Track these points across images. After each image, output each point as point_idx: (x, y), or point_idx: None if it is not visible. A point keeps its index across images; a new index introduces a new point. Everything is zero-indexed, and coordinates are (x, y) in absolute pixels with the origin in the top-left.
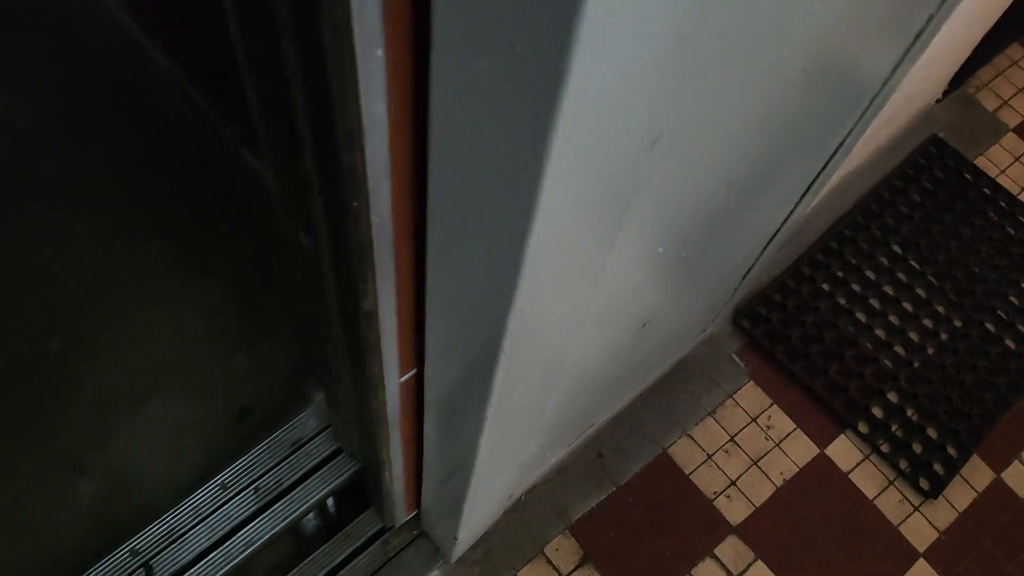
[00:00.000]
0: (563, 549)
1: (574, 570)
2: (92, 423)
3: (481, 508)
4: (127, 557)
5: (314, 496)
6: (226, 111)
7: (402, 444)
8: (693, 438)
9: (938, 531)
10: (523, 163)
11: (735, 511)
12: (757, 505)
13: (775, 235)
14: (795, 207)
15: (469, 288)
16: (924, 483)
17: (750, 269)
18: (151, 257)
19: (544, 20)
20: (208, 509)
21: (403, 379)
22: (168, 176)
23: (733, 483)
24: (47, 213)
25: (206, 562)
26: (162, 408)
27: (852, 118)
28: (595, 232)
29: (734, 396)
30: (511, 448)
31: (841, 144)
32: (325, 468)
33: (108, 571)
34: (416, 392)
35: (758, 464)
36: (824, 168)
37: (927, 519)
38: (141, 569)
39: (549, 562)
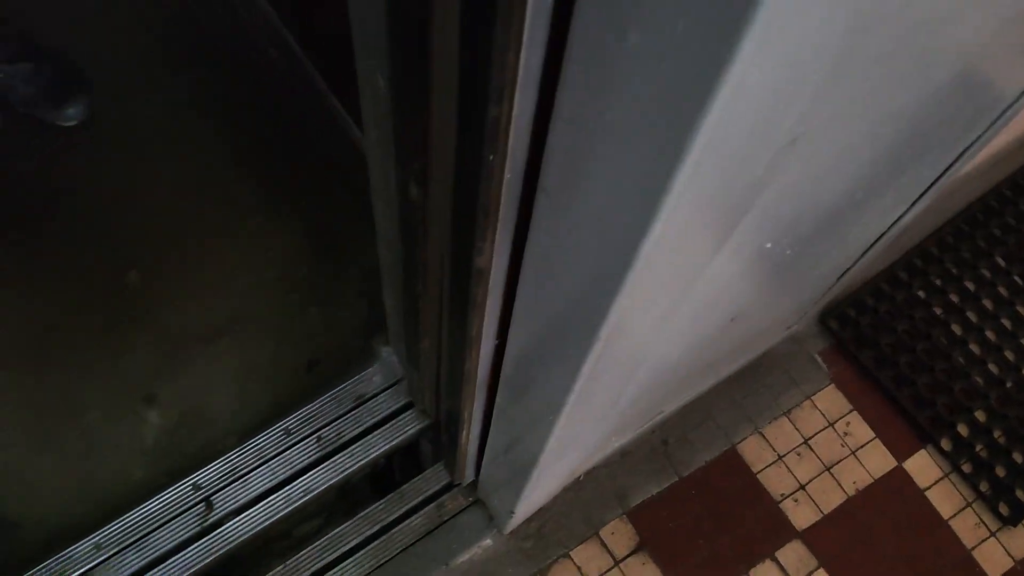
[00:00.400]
0: (619, 533)
1: (628, 556)
2: (164, 358)
3: (542, 486)
4: (189, 490)
5: (375, 451)
6: (318, 61)
7: (481, 410)
8: (765, 436)
9: (1014, 560)
10: (660, 149)
11: (801, 516)
12: (825, 512)
13: (880, 238)
14: (906, 212)
15: (569, 268)
16: (1004, 508)
17: (848, 270)
18: (238, 205)
19: None
20: (271, 452)
21: (495, 346)
22: (261, 127)
23: (802, 487)
24: (146, 155)
25: (265, 504)
26: (233, 350)
27: (980, 127)
28: (713, 227)
29: (812, 398)
30: (583, 432)
31: (962, 154)
32: (388, 425)
33: (170, 502)
34: (496, 359)
35: (830, 470)
36: (942, 175)
37: (1003, 546)
38: (202, 503)
39: (603, 545)
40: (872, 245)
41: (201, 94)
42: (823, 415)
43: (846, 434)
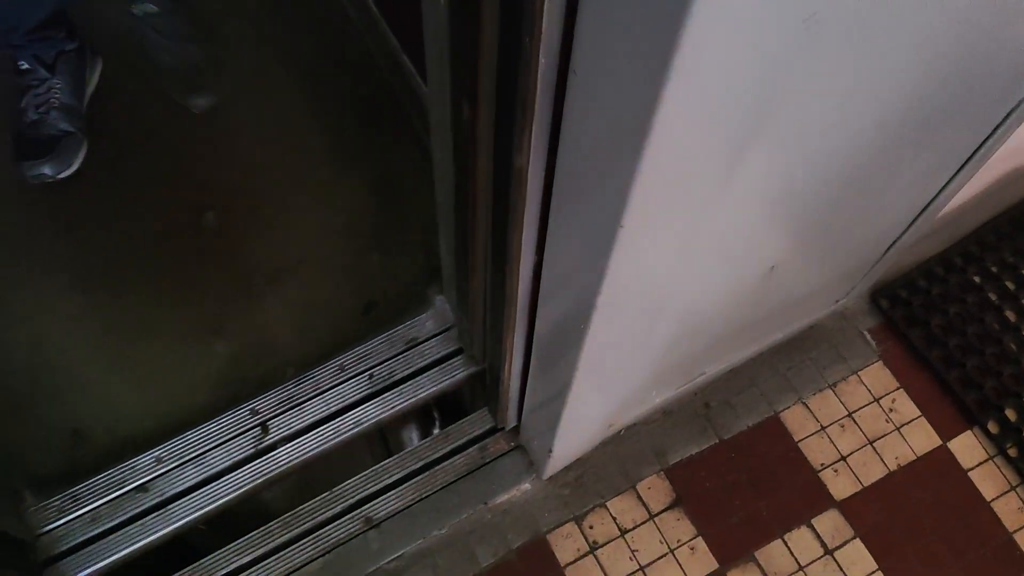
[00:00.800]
0: (655, 488)
1: (663, 511)
2: (232, 293)
3: (579, 428)
4: (247, 415)
5: (424, 392)
6: (392, 21)
7: (522, 342)
8: (808, 407)
9: None
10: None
11: (840, 486)
12: (865, 484)
13: (924, 209)
14: (948, 182)
15: (595, 161)
16: None
17: (894, 243)
18: (312, 155)
19: None
20: (326, 385)
21: (533, 265)
22: (338, 83)
23: (843, 459)
24: (230, 105)
25: (316, 433)
26: (297, 289)
27: (1018, 96)
28: (728, 126)
29: (859, 373)
30: (615, 366)
31: (1003, 121)
32: (437, 368)
33: (229, 424)
34: (535, 283)
35: (873, 444)
36: (982, 145)
37: None
38: (258, 428)
39: (639, 498)
40: (917, 217)
41: (285, 50)
42: (869, 390)
43: (891, 410)
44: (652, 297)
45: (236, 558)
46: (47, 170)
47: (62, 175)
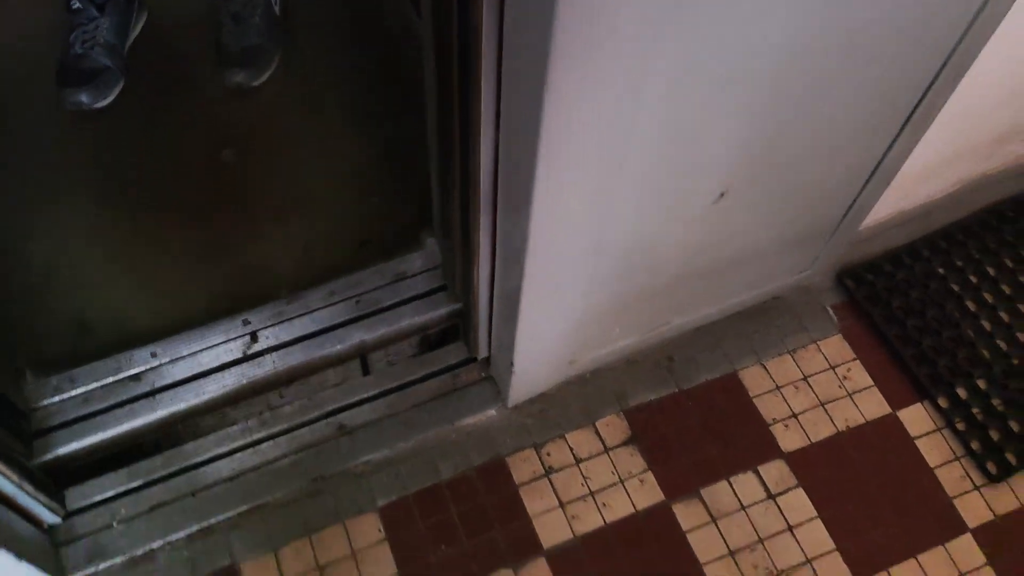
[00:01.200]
0: (613, 426)
1: (618, 446)
2: (240, 222)
3: (538, 352)
4: (239, 324)
5: (406, 320)
6: None
7: (488, 265)
8: (766, 368)
9: (994, 514)
10: None
11: (789, 440)
12: (812, 441)
13: (873, 173)
14: (892, 143)
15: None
16: (992, 467)
17: (852, 205)
18: (326, 114)
19: None
20: (315, 306)
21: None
22: (360, 53)
23: (794, 415)
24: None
25: (302, 345)
26: (299, 223)
27: (954, 35)
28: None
29: (819, 343)
30: (557, 279)
31: (937, 76)
32: (421, 300)
33: (222, 330)
34: (494, 184)
35: (824, 406)
36: (923, 99)
37: (985, 500)
38: (248, 336)
39: (597, 433)
40: (867, 182)
41: (313, 21)
42: (826, 359)
43: (845, 378)
44: (588, 196)
45: (214, 447)
46: (84, 98)
47: (97, 105)
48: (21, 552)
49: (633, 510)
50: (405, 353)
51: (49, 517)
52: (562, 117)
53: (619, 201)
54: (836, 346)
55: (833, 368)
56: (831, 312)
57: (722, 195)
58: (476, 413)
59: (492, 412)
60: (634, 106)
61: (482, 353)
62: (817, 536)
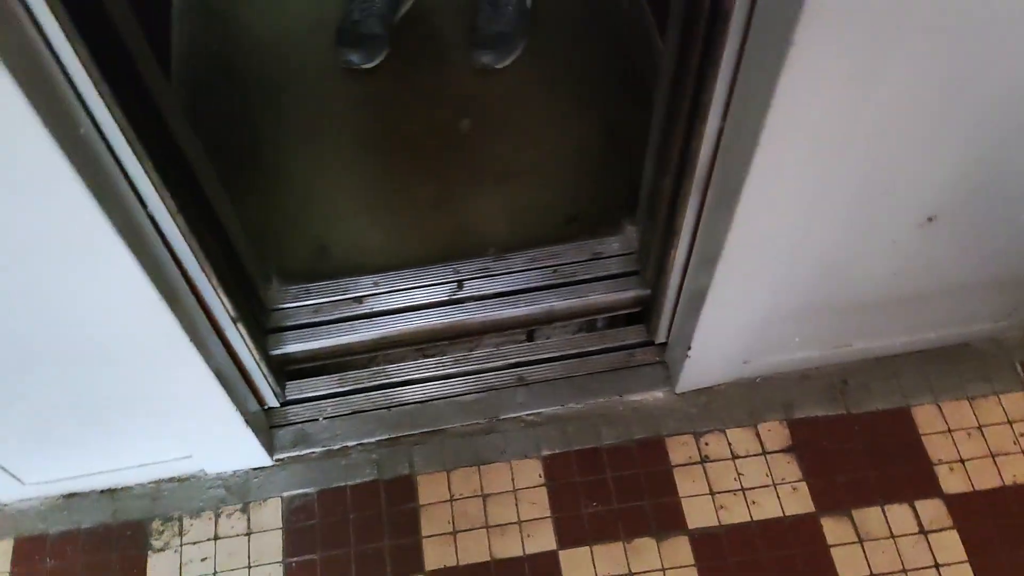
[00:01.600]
0: (775, 432)
1: (777, 452)
2: (466, 182)
3: (716, 344)
4: (449, 272)
5: (595, 295)
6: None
7: (681, 258)
8: (941, 409)
9: None
10: None
11: (952, 483)
12: (976, 488)
13: None
14: None
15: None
16: None
17: None
18: (556, 94)
19: None
20: (517, 267)
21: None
22: (595, 46)
23: (961, 460)
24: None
25: (500, 300)
26: (517, 191)
27: None
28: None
29: (1000, 396)
30: (747, 282)
31: None
32: (612, 281)
33: (434, 274)
34: (713, 156)
35: (995, 458)
36: None
37: None
38: (455, 284)
39: (757, 435)
40: None
41: (557, 15)
42: (1005, 412)
43: (1022, 435)
44: (797, 198)
45: (412, 373)
46: (355, 58)
47: (365, 65)
48: (248, 420)
49: (781, 514)
50: (581, 329)
51: (271, 400)
52: (789, 108)
53: (826, 208)
54: (1018, 402)
55: (1011, 423)
56: (1020, 369)
57: (930, 219)
58: (644, 392)
59: (659, 394)
60: (860, 108)
61: (660, 338)
62: None
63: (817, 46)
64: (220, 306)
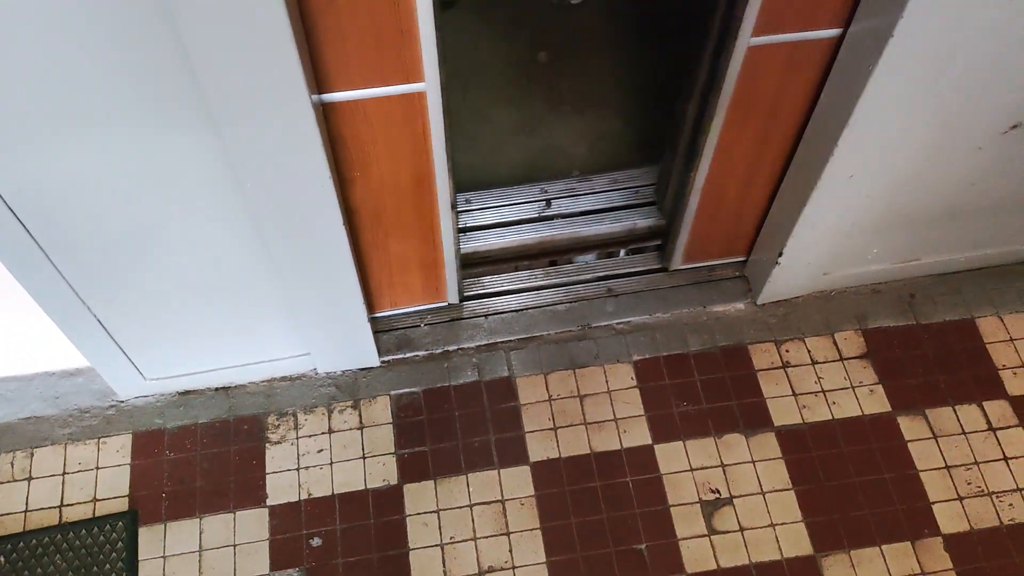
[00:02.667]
0: (850, 341)
1: (853, 358)
2: (548, 110)
3: (803, 257)
4: (537, 191)
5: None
6: None
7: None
8: (1003, 320)
9: None
10: None
11: (1016, 386)
12: None
13: None
14: None
15: None
16: None
17: None
18: (629, 28)
19: None
20: (600, 188)
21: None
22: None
23: None
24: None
25: (584, 218)
26: (594, 120)
27: None
28: None
29: None
30: (838, 201)
31: None
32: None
33: (524, 193)
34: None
35: None
36: None
37: None
38: (544, 202)
39: (834, 343)
40: None
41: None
42: None
43: None
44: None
45: (507, 284)
46: None
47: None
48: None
49: (860, 413)
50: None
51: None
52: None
53: (924, 114)
54: None
55: None
56: None
57: (1014, 127)
58: (727, 303)
59: (740, 306)
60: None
61: (675, 265)
62: None
63: None
64: None
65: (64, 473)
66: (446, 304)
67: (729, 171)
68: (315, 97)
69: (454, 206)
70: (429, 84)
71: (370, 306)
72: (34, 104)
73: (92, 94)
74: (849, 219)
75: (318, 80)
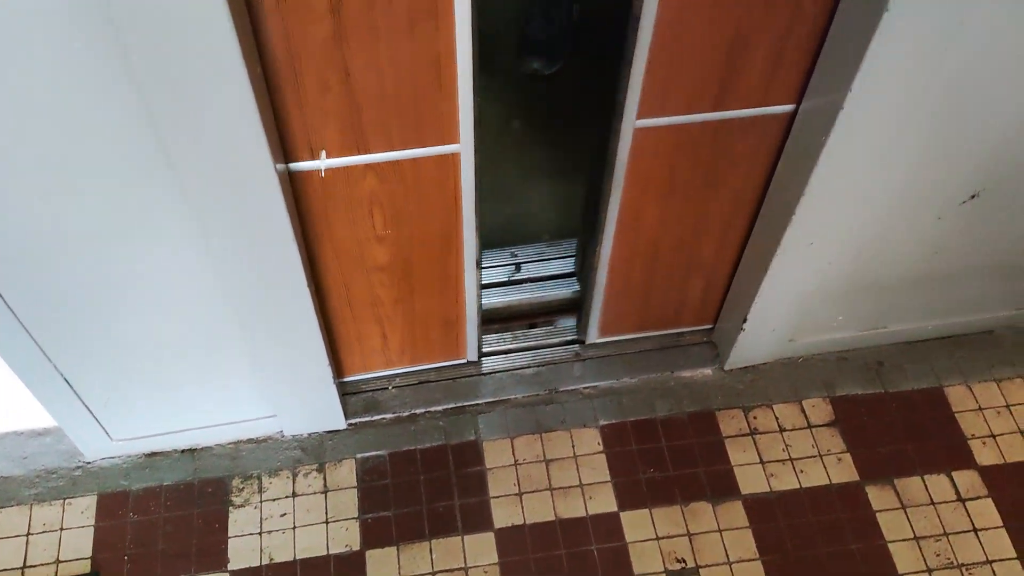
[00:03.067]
0: (818, 408)
1: (822, 426)
2: (520, 177)
3: (767, 323)
4: (508, 256)
5: None
6: None
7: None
8: (972, 390)
9: None
10: None
11: (985, 456)
12: (1008, 461)
13: None
14: None
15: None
16: None
17: None
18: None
19: None
20: (570, 253)
21: None
22: None
23: (993, 436)
24: None
25: (542, 286)
26: (561, 185)
27: None
28: None
29: None
30: (799, 268)
31: None
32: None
33: (496, 258)
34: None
35: None
36: None
37: None
38: (514, 266)
39: (802, 411)
40: None
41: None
42: None
43: None
44: (854, 167)
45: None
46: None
47: None
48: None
49: (828, 481)
50: None
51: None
52: (874, 76)
53: (884, 181)
54: None
55: None
56: None
57: (973, 196)
58: (694, 369)
59: (708, 371)
60: (933, 71)
61: (590, 339)
62: (1001, 543)
63: (908, 10)
64: None
65: (28, 534)
66: (464, 361)
67: (635, 248)
68: (358, 158)
69: (479, 263)
70: (463, 145)
71: (391, 361)
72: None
73: (61, 147)
74: (811, 285)
75: (361, 142)
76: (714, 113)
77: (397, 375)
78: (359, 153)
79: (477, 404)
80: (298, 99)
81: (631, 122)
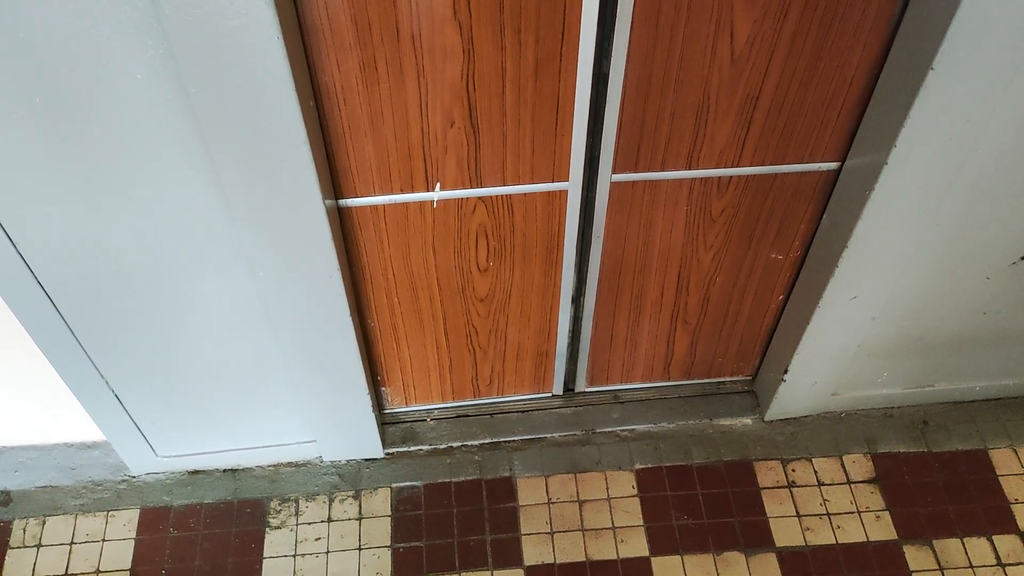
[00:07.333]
0: (859, 464)
1: (861, 482)
2: None
3: (809, 376)
4: None
5: None
6: None
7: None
8: (1017, 453)
9: None
10: None
11: None
12: None
13: None
14: None
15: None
16: None
17: None
18: None
19: None
20: None
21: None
22: None
23: None
24: None
25: None
26: None
27: None
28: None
29: None
30: (841, 322)
31: None
32: None
33: None
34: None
35: None
36: None
37: None
38: None
39: (843, 467)
40: None
41: None
42: None
43: None
44: (903, 225)
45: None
46: None
47: None
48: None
49: (865, 539)
50: None
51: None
52: (916, 136)
53: (931, 241)
54: None
55: None
56: None
57: (1023, 258)
58: (733, 418)
59: (748, 421)
60: (979, 132)
61: (579, 387)
62: None
63: (954, 70)
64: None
65: (72, 543)
66: (550, 395)
67: (617, 303)
68: (471, 191)
69: (575, 299)
70: (572, 183)
71: (479, 390)
72: (68, 171)
73: (146, 200)
74: (855, 340)
75: (475, 176)
76: (688, 171)
77: (437, 407)
78: (472, 187)
79: (513, 440)
80: (407, 135)
81: (607, 177)
